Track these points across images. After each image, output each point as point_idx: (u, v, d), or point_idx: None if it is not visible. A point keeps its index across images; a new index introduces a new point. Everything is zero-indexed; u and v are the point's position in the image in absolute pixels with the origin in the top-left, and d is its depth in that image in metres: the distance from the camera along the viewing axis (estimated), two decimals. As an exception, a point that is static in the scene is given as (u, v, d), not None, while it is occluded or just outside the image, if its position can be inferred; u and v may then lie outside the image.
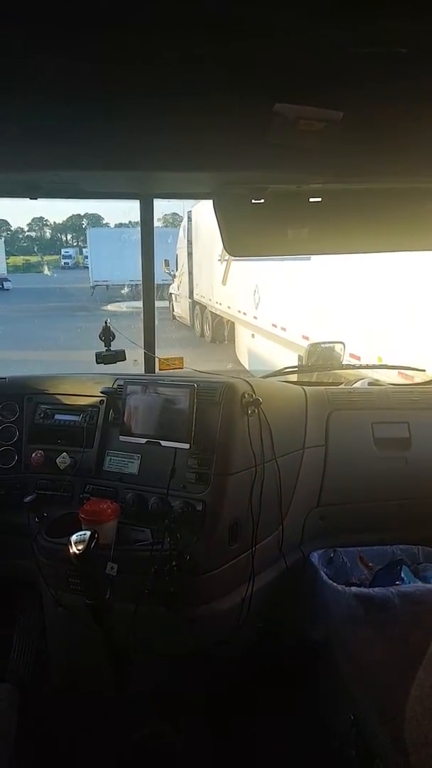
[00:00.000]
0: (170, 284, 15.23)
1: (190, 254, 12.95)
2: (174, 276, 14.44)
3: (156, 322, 2.55)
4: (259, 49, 1.19)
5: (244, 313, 8.86)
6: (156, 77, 1.31)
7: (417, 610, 1.87)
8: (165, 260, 13.43)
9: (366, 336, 5.03)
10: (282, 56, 1.23)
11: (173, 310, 15.43)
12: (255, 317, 8.24)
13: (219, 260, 10.03)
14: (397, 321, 4.69)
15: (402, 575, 2.09)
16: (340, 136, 1.46)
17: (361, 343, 5.06)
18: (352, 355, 5.01)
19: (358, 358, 5.06)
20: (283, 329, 7.04)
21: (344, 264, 5.31)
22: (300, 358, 6.12)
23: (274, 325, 7.39)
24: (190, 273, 13.10)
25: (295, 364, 5.97)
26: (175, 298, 15.09)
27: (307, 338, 6.31)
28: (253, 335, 8.67)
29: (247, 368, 9.06)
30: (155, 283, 2.55)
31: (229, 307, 10.01)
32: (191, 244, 12.75)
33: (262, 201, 2.03)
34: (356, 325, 5.23)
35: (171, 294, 15.45)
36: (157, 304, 2.58)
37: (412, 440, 2.32)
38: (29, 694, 1.88)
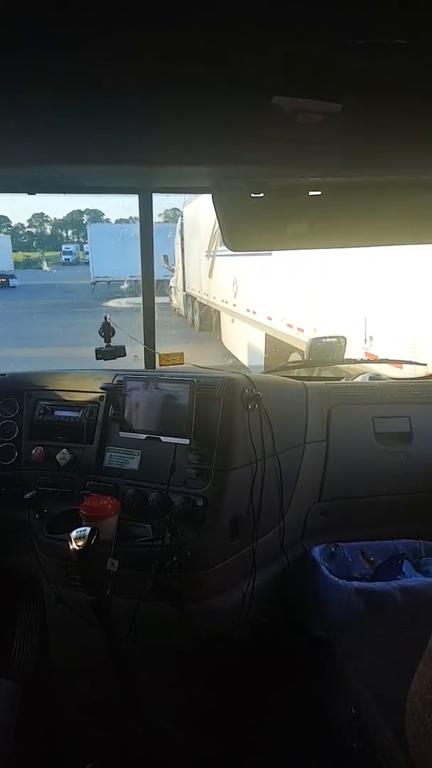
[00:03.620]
0: (170, 279, 16.14)
1: (183, 250, 13.98)
2: (173, 271, 15.39)
3: (156, 317, 2.54)
4: (257, 41, 1.18)
5: (226, 302, 10.07)
6: (154, 72, 1.30)
7: (418, 604, 1.87)
8: (164, 256, 14.14)
9: (309, 313, 6.39)
10: (279, 48, 1.22)
11: (172, 302, 16.38)
12: (234, 305, 9.49)
13: (206, 255, 11.06)
14: (329, 297, 5.90)
15: (403, 570, 2.10)
16: (338, 128, 1.45)
17: (304, 318, 6.53)
18: (300, 329, 6.57)
19: (302, 331, 6.45)
20: (254, 313, 8.34)
21: (299, 258, 6.44)
22: (267, 336, 7.77)
23: (248, 310, 8.66)
24: (183, 268, 14.13)
25: (268, 346, 7.64)
26: (174, 291, 16.12)
27: (270, 318, 7.54)
28: (233, 320, 9.98)
29: (228, 349, 10.43)
30: (156, 278, 2.55)
31: (214, 297, 11.20)
32: (183, 240, 13.84)
33: (262, 195, 2.01)
34: (302, 304, 6.59)
35: (171, 287, 16.35)
36: (157, 300, 2.57)
37: (413, 434, 2.32)
38: (30, 690, 1.89)
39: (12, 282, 26.76)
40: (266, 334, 7.72)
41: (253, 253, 7.55)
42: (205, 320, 13.19)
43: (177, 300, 15.78)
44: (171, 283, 16.17)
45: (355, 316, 5.15)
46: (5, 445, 2.21)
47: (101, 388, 2.11)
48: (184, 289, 14.48)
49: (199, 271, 12.31)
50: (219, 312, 11.46)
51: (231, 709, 1.98)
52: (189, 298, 14.39)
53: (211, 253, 10.64)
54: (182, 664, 1.88)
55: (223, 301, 10.34)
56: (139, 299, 2.56)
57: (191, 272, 13.43)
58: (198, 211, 11.21)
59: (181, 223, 13.85)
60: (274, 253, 6.85)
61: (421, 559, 2.21)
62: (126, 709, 1.80)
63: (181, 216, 13.92)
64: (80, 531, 1.53)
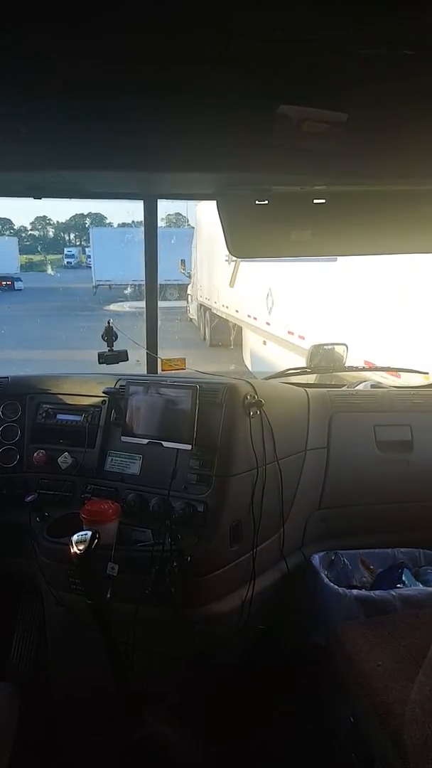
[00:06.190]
0: (187, 285, 14.44)
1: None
2: (190, 276, 13.61)
3: (159, 323, 2.55)
4: (263, 50, 1.19)
5: (255, 318, 8.22)
6: (160, 78, 1.31)
7: (418, 613, 1.86)
8: (182, 260, 12.88)
9: (404, 349, 4.36)
10: (286, 57, 1.23)
11: (189, 311, 14.60)
12: (267, 323, 7.60)
13: (226, 261, 9.18)
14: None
15: (403, 578, 2.09)
16: (343, 137, 1.46)
17: (400, 357, 4.37)
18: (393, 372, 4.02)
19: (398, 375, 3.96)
20: (302, 338, 6.30)
21: (380, 265, 4.70)
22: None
23: (291, 333, 6.71)
24: (195, 274, 12.78)
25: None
26: (190, 299, 14.38)
27: None
28: (265, 342, 7.99)
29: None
30: (158, 283, 2.55)
31: (236, 311, 9.31)
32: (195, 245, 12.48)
33: (266, 202, 2.02)
34: (393, 335, 4.56)
35: (188, 294, 14.59)
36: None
37: (414, 443, 2.32)
38: (29, 693, 1.88)
39: (18, 285, 26.63)
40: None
41: (301, 258, 5.66)
42: (218, 335, 11.21)
43: (192, 309, 14.07)
44: (188, 290, 14.32)
45: None
46: (7, 448, 2.21)
47: (103, 392, 2.12)
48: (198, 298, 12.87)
49: (217, 279, 10.37)
50: (239, 327, 9.54)
51: (229, 715, 1.97)
52: (202, 308, 12.54)
53: (234, 258, 8.38)
54: (181, 670, 1.87)
55: (250, 316, 8.42)
56: (141, 303, 2.56)
57: (204, 279, 11.67)
58: (211, 213, 9.09)
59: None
60: (339, 259, 5.08)
61: (420, 567, 2.21)
62: (125, 714, 1.80)
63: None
64: (81, 535, 1.54)
